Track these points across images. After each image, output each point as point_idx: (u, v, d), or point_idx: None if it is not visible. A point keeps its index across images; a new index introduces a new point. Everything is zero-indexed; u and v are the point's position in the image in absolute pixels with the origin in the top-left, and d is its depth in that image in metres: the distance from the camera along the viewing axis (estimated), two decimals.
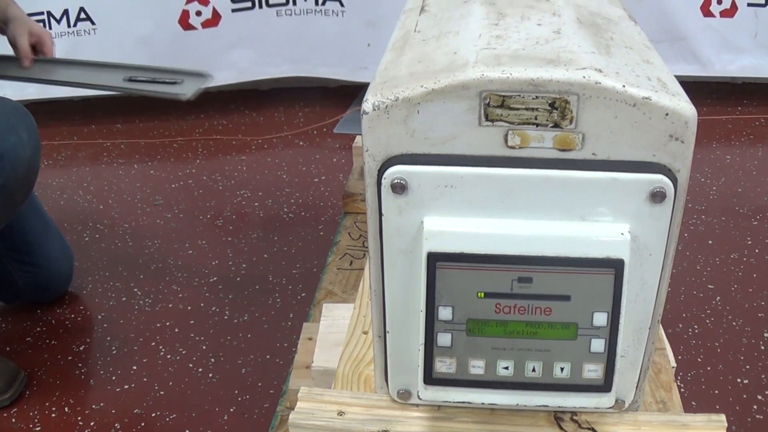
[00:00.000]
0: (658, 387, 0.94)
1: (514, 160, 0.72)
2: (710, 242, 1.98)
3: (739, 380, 1.51)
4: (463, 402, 0.79)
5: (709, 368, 1.54)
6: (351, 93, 2.87)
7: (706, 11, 2.71)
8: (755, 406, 1.45)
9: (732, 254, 1.92)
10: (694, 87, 0.74)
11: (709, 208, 2.14)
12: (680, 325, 1.66)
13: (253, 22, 2.73)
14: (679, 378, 1.49)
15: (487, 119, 0.70)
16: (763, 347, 1.60)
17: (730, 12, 2.71)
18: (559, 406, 0.79)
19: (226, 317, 1.73)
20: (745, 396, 1.48)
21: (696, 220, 2.07)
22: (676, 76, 0.77)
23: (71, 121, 2.78)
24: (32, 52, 1.61)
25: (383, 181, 0.73)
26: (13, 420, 1.45)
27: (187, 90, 1.58)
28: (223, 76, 2.73)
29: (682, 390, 1.46)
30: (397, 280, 0.78)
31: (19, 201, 1.44)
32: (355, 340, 1.01)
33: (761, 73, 2.80)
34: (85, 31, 2.63)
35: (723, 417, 0.85)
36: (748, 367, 1.55)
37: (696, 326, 1.66)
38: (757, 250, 1.94)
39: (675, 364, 1.01)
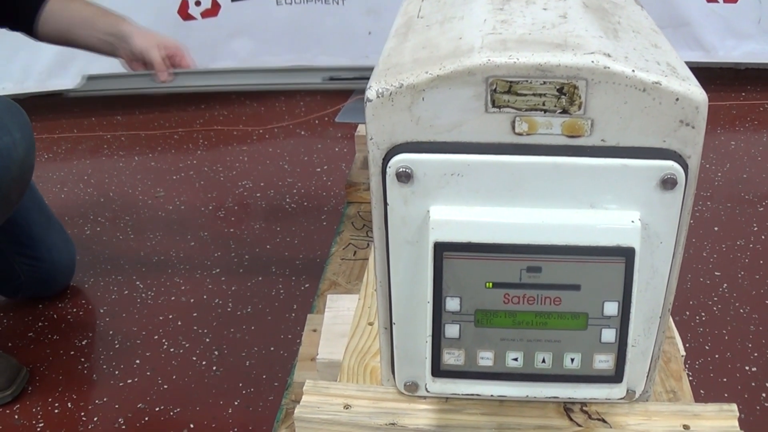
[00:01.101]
0: (668, 376, 0.93)
1: (521, 147, 0.70)
2: (716, 229, 1.96)
3: (747, 368, 1.50)
4: (472, 394, 0.78)
5: (717, 356, 1.53)
6: None
7: None
8: (764, 394, 1.44)
9: (738, 241, 1.91)
10: (698, 73, 0.72)
11: (715, 194, 2.12)
12: (687, 313, 1.65)
13: (252, 12, 2.72)
14: (687, 366, 1.48)
15: (493, 105, 0.69)
16: None
17: None
18: (570, 398, 0.78)
19: (229, 309, 1.72)
20: (753, 384, 1.46)
21: (702, 206, 2.06)
22: None
23: (71, 113, 2.76)
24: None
25: (388, 170, 0.71)
26: (16, 416, 1.44)
27: None
28: (222, 66, 2.71)
29: (690, 378, 1.44)
30: (403, 271, 0.77)
31: (14, 200, 1.42)
32: (360, 332, 1.00)
33: (765, 58, 2.78)
34: None
35: (734, 406, 0.84)
36: (756, 354, 1.53)
37: (703, 314, 1.65)
38: (763, 237, 1.92)
39: (684, 353, 1.00)
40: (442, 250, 0.71)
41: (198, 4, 2.67)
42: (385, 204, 0.74)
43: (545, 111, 0.69)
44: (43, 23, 1.54)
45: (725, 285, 1.74)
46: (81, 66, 2.66)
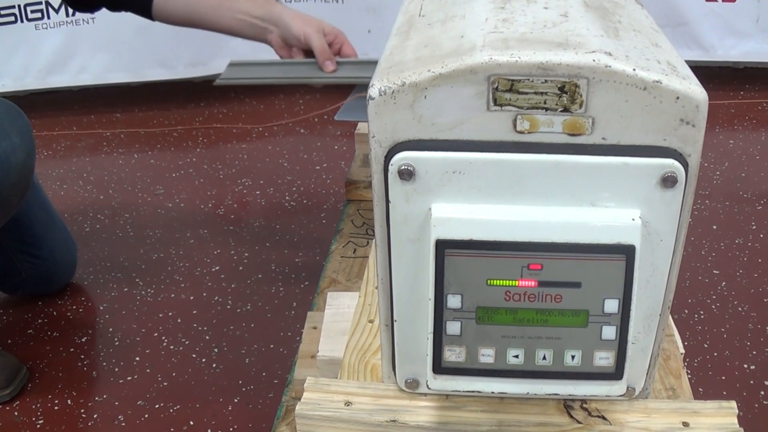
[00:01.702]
0: (667, 374, 0.94)
1: (523, 145, 0.71)
2: (715, 227, 1.97)
3: (745, 366, 1.51)
4: (473, 391, 0.78)
5: (715, 354, 1.54)
6: None
7: None
8: (762, 392, 1.44)
9: (737, 239, 1.91)
10: (696, 72, 0.73)
11: (713, 193, 2.13)
12: (686, 311, 1.65)
13: None
14: (685, 364, 1.48)
15: (495, 104, 0.69)
16: None
17: None
18: (570, 395, 0.78)
19: (228, 307, 1.72)
20: (752, 382, 1.47)
21: (700, 205, 2.06)
22: None
23: (70, 110, 2.77)
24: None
25: (390, 167, 0.72)
26: (16, 413, 1.45)
27: None
28: (222, 64, 2.71)
29: (689, 376, 1.44)
30: (405, 268, 0.77)
31: (14, 204, 1.42)
32: (361, 329, 1.00)
33: (763, 57, 2.78)
34: (84, 20, 2.62)
35: (734, 404, 0.85)
36: (754, 352, 1.54)
37: (702, 312, 1.65)
38: (761, 235, 1.93)
39: (683, 351, 1.00)
40: (443, 247, 0.71)
41: None
42: (387, 201, 0.74)
43: (546, 109, 0.69)
44: (162, 3, 1.44)
45: (724, 283, 1.75)
46: (81, 63, 2.67)
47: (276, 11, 1.41)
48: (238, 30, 1.45)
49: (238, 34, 1.47)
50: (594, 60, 0.67)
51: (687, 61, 0.75)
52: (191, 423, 1.42)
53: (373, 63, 1.44)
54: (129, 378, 1.53)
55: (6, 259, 1.65)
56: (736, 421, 0.83)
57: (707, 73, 2.72)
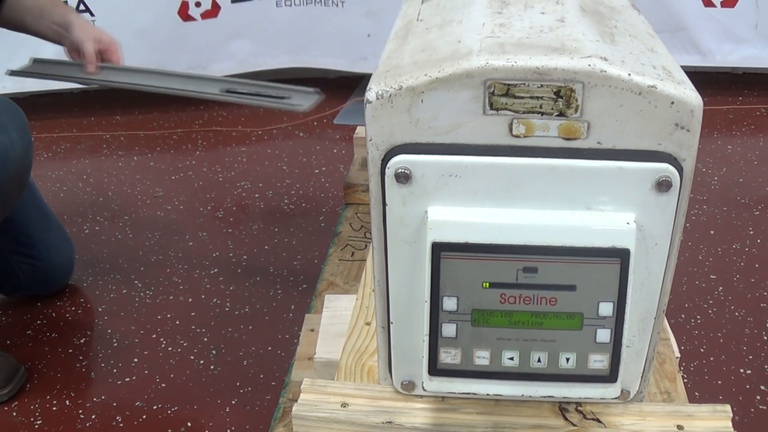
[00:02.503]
0: (662, 377, 0.94)
1: (518, 149, 0.71)
2: (712, 232, 1.97)
3: (742, 371, 1.51)
4: (468, 393, 0.79)
5: (711, 359, 1.54)
6: (351, 84, 2.86)
7: (707, 1, 2.70)
8: (758, 397, 1.45)
9: (734, 244, 1.92)
10: (695, 77, 0.74)
11: (711, 198, 2.13)
12: (683, 316, 1.65)
13: (252, 13, 2.72)
14: (681, 368, 1.49)
15: (491, 108, 0.70)
16: (766, 337, 1.60)
17: (730, 2, 2.70)
18: (565, 397, 0.79)
19: (227, 309, 1.73)
20: (748, 386, 1.47)
21: (698, 210, 2.07)
22: None
23: (70, 113, 2.77)
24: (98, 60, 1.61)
25: (387, 170, 0.72)
26: (14, 414, 1.45)
27: (303, 102, 1.58)
28: (222, 68, 2.72)
29: (685, 380, 1.45)
30: (401, 271, 0.78)
31: (12, 200, 1.43)
32: (358, 332, 1.01)
33: (762, 63, 2.79)
34: None
35: (728, 407, 0.85)
36: (750, 357, 1.54)
37: (698, 316, 1.66)
38: (759, 240, 1.93)
39: (679, 355, 1.01)
40: (439, 250, 0.72)
41: (198, 5, 2.67)
42: (384, 204, 0.75)
43: (542, 114, 0.70)
44: (5, 11, 1.61)
45: (721, 288, 1.75)
46: None
47: (70, 20, 1.61)
48: (48, 35, 1.65)
49: (48, 39, 1.67)
50: (589, 65, 0.68)
51: (685, 67, 0.76)
52: (189, 424, 1.42)
53: (135, 71, 1.70)
54: (127, 379, 1.53)
55: (3, 261, 1.66)
56: (730, 424, 0.83)
57: (705, 78, 2.73)
